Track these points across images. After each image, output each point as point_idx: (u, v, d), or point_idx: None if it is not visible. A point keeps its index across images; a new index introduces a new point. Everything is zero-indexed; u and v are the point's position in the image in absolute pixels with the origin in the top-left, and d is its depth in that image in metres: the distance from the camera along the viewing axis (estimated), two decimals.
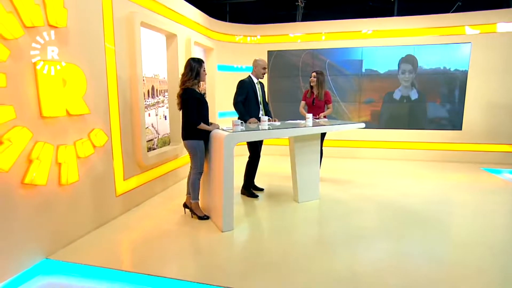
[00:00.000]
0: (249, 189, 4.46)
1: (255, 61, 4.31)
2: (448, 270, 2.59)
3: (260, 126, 3.74)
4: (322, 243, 3.08)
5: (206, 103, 3.54)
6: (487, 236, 3.20)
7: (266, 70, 4.35)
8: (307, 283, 2.41)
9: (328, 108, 4.91)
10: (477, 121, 6.55)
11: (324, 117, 4.84)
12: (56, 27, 2.71)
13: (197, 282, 2.41)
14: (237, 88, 4.23)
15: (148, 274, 2.52)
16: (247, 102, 4.20)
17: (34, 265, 2.61)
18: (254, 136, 3.57)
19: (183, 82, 3.42)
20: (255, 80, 4.31)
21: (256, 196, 4.38)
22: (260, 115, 4.27)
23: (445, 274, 2.53)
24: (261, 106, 4.35)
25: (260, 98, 4.32)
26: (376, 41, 6.77)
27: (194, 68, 3.40)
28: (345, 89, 7.09)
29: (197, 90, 3.46)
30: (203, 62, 3.50)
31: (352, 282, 2.42)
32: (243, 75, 4.46)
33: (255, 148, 4.33)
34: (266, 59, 7.21)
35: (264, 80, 7.33)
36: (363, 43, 6.84)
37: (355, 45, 6.88)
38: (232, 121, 3.46)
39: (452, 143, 6.74)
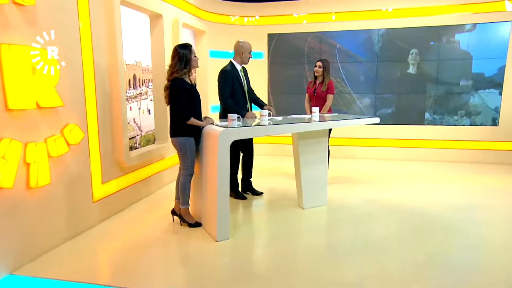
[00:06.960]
0: (235, 189, 4.54)
1: (239, 44, 4.27)
2: (472, 280, 2.68)
3: (260, 121, 3.80)
4: (330, 255, 3.14)
5: (197, 95, 3.60)
6: None
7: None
8: None
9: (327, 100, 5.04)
10: None
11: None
12: (23, 5, 2.75)
13: None
14: (220, 80, 4.25)
15: None
16: (233, 94, 4.24)
17: None
18: (253, 133, 3.64)
19: (171, 73, 3.48)
20: (238, 67, 4.33)
21: (244, 198, 4.50)
22: (247, 107, 4.37)
23: (467, 284, 2.63)
24: (247, 96, 4.41)
25: (245, 88, 4.38)
26: (397, 22, 6.78)
27: (184, 56, 3.45)
28: (358, 79, 7.15)
29: (187, 80, 3.52)
30: (192, 46, 3.55)
31: None
32: None
33: (245, 142, 4.43)
34: (266, 43, 7.29)
35: (263, 68, 7.41)
36: (381, 24, 6.87)
37: (371, 26, 6.92)
38: (228, 115, 3.52)
39: (486, 141, 6.73)
